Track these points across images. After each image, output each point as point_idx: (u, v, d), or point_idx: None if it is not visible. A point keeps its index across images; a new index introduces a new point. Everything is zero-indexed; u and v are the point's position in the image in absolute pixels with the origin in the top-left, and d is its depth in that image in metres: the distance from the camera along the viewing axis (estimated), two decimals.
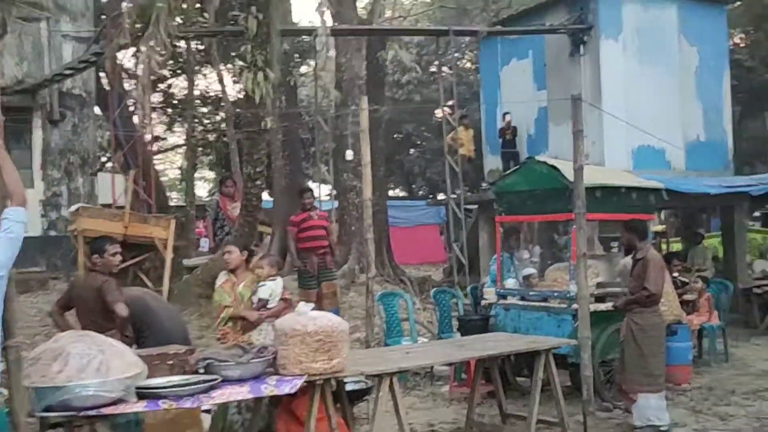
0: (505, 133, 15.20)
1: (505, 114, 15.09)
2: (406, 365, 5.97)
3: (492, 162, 15.97)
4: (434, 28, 17.36)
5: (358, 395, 6.49)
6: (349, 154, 12.66)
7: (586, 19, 13.68)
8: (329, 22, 13.95)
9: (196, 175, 31.46)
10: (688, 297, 10.31)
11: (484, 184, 15.25)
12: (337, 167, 14.17)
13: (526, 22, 15.17)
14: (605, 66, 13.55)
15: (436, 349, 6.92)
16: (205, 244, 15.94)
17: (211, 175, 33.58)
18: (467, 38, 22.27)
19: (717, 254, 16.29)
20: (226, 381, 4.61)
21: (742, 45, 24.63)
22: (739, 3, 22.98)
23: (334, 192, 14.75)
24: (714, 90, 14.76)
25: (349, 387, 6.26)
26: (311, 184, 16.54)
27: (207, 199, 28.31)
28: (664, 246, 20.12)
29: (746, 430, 7.09)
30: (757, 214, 21.74)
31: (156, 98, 23.65)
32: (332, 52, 11.01)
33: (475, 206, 16.23)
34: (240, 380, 4.67)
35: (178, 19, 12.67)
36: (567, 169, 7.74)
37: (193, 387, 4.40)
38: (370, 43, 15.32)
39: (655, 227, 22.64)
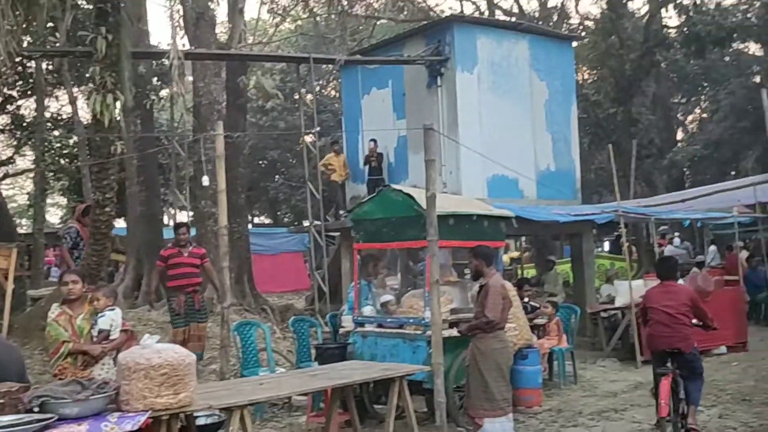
0: (370, 160, 15.34)
1: (371, 141, 15.24)
2: (257, 397, 5.85)
3: (354, 189, 16.06)
4: (294, 55, 17.42)
5: (212, 429, 6.28)
6: (205, 180, 12.39)
7: (443, 51, 14.04)
8: (187, 46, 13.71)
9: (49, 201, 30.01)
10: (538, 321, 10.70)
11: (341, 212, 15.31)
12: (194, 194, 13.85)
13: (385, 52, 15.43)
14: (461, 97, 13.93)
15: (290, 380, 6.83)
16: (57, 273, 15.14)
17: (63, 201, 32.08)
18: (331, 66, 22.41)
19: (569, 279, 17.04)
20: (63, 419, 4.37)
21: (589, 81, 26.10)
22: (586, 40, 24.39)
23: (193, 219, 14.39)
24: (563, 122, 15.47)
25: (201, 421, 6.06)
26: (171, 210, 16.07)
27: (59, 226, 26.99)
28: (520, 272, 20.91)
29: None
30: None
31: (2, 120, 22.43)
32: (189, 77, 10.78)
33: (338, 233, 16.26)
34: (78, 418, 4.44)
35: (27, 38, 12.09)
36: (421, 198, 7.85)
37: (24, 427, 4.14)
38: (231, 68, 15.14)
39: (512, 254, 23.58)
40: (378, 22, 28.10)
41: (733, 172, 34.83)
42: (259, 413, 8.54)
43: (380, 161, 15.29)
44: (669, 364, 7.18)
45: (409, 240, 8.41)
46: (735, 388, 9.59)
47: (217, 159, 8.10)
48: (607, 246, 30.09)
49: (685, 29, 22.08)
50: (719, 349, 12.53)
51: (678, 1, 22.16)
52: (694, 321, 7.37)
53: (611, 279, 14.83)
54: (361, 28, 27.82)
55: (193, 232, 13.73)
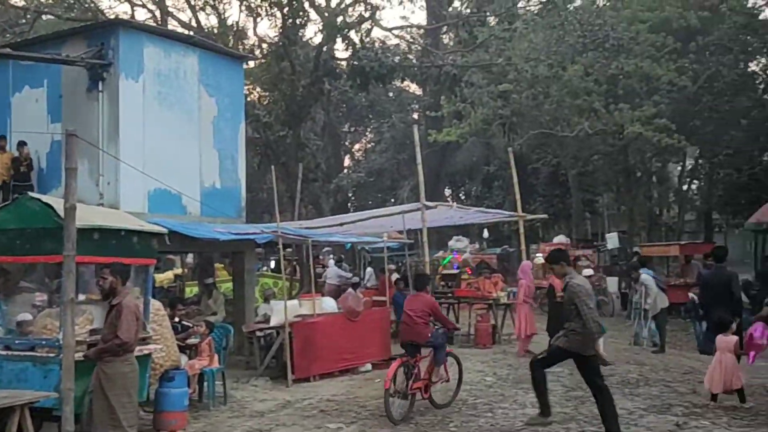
0: (20, 165, 13.97)
1: (21, 144, 13.88)
2: None
3: None
4: None
5: None
6: None
7: (106, 56, 13.21)
8: None
9: None
10: (191, 341, 10.45)
11: None
12: None
13: (42, 49, 14.10)
14: (124, 105, 13.18)
15: None
16: None
17: None
18: None
19: (232, 297, 16.96)
20: None
21: (264, 101, 26.50)
22: (262, 62, 24.78)
23: None
24: (231, 140, 15.35)
25: None
26: None
27: None
28: (185, 289, 20.43)
29: None
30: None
31: None
32: None
33: None
34: None
35: None
36: (62, 208, 7.24)
37: None
38: None
39: (176, 270, 22.98)
40: (44, 18, 26.06)
41: (392, 200, 37.65)
42: None
43: (30, 167, 13.99)
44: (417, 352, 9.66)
45: (47, 254, 7.69)
46: (375, 405, 10.08)
47: None
48: (273, 265, 30.79)
49: (353, 62, 23.39)
50: (365, 367, 13.20)
51: (346, 34, 23.43)
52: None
53: (268, 299, 15.00)
54: (22, 21, 25.57)
55: None
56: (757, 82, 28.11)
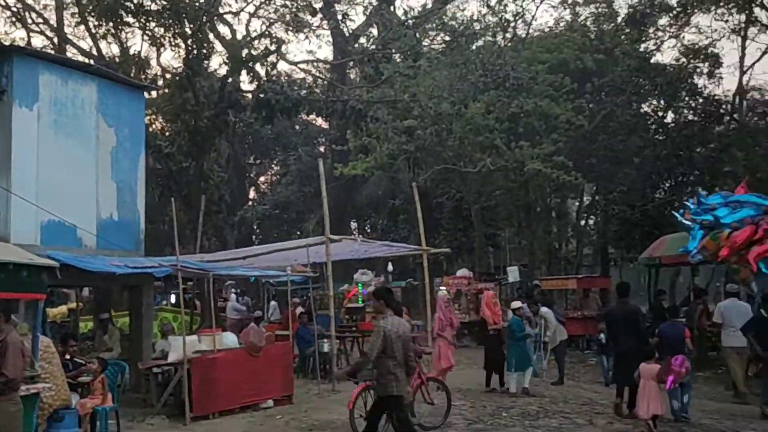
0: None
1: None
2: None
3: None
4: None
5: None
6: None
7: None
8: None
9: None
10: (83, 379, 10.06)
11: None
12: None
13: None
14: (17, 134, 12.72)
15: None
16: None
17: None
18: None
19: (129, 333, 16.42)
20: None
21: (166, 132, 26.04)
22: (165, 92, 24.39)
23: None
24: (130, 171, 15.00)
25: None
26: None
27: None
28: (80, 324, 19.69)
29: None
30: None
31: None
32: None
33: None
34: None
35: None
36: None
37: None
38: None
39: (71, 305, 22.15)
40: None
41: (298, 233, 37.45)
42: None
43: None
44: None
45: None
46: None
47: None
48: (174, 299, 30.03)
49: (258, 95, 23.32)
50: (267, 403, 12.95)
51: (252, 67, 23.37)
52: None
53: (166, 334, 14.60)
54: None
55: None
56: (649, 122, 29.44)
